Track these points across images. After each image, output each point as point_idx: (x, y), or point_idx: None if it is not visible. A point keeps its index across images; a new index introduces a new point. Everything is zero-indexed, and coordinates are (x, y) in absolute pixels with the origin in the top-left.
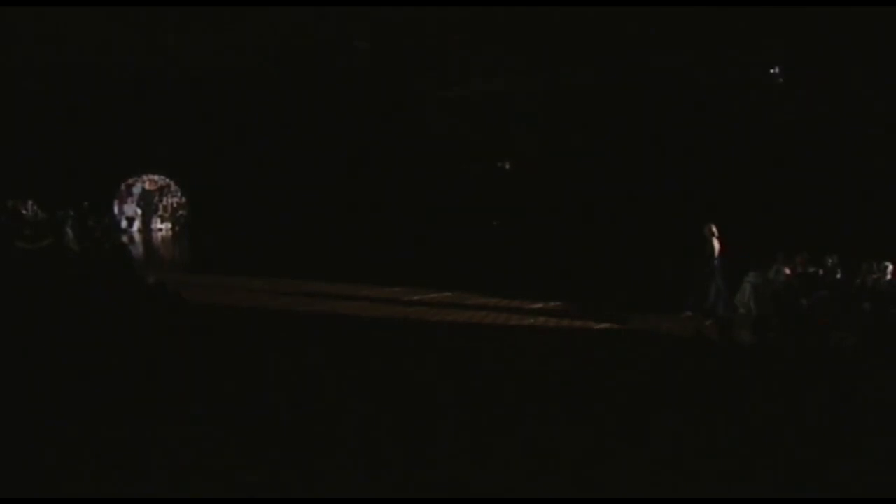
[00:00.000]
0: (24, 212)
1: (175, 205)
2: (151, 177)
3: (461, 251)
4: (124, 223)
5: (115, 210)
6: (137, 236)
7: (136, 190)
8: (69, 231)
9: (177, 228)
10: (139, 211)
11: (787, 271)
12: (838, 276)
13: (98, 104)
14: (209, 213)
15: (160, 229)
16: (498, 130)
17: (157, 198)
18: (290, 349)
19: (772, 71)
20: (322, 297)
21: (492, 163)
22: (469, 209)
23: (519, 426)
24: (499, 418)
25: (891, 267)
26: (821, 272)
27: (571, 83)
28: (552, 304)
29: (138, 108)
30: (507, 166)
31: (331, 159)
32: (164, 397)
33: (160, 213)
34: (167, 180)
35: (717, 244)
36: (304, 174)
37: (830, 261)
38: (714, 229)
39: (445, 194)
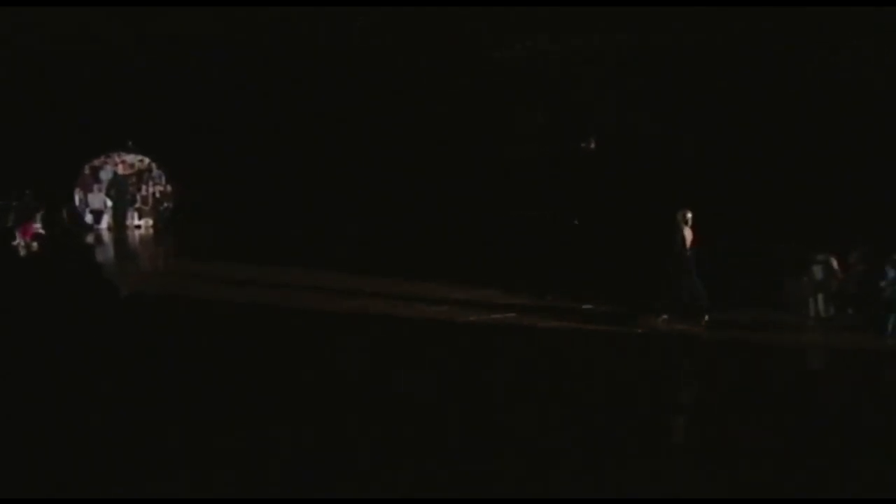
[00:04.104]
0: None
1: (157, 195)
2: (125, 158)
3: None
4: (89, 218)
5: (77, 201)
6: (107, 235)
7: (105, 175)
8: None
9: (160, 225)
10: (109, 202)
11: None
12: None
13: (50, 66)
14: (201, 206)
15: (138, 226)
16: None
17: (133, 185)
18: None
19: None
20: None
21: (573, 143)
22: (542, 201)
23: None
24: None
25: None
26: None
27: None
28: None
29: (107, 72)
30: (593, 146)
31: (354, 137)
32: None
33: (138, 205)
34: (146, 162)
35: (688, 234)
36: (318, 159)
37: None
38: (688, 216)
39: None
